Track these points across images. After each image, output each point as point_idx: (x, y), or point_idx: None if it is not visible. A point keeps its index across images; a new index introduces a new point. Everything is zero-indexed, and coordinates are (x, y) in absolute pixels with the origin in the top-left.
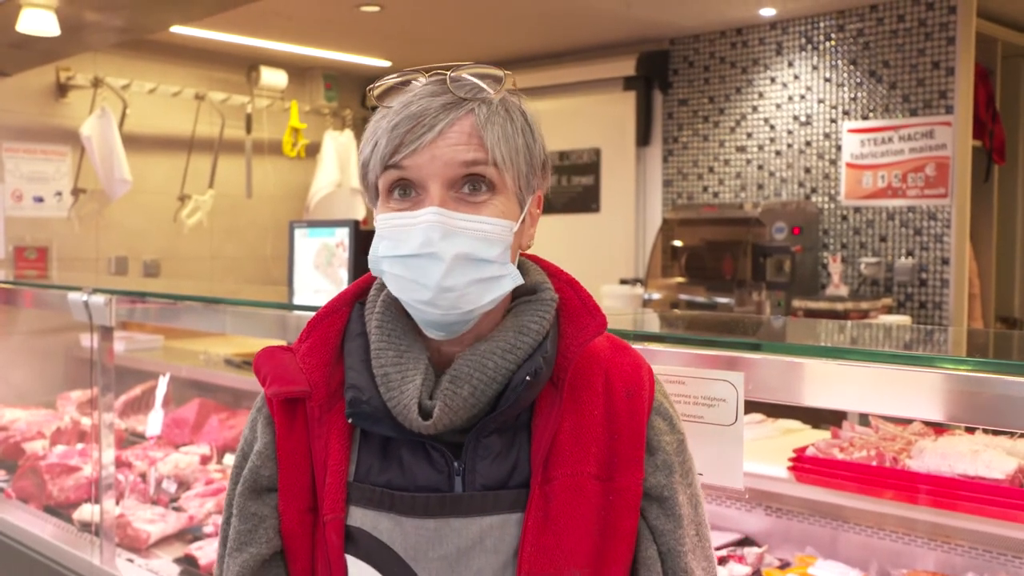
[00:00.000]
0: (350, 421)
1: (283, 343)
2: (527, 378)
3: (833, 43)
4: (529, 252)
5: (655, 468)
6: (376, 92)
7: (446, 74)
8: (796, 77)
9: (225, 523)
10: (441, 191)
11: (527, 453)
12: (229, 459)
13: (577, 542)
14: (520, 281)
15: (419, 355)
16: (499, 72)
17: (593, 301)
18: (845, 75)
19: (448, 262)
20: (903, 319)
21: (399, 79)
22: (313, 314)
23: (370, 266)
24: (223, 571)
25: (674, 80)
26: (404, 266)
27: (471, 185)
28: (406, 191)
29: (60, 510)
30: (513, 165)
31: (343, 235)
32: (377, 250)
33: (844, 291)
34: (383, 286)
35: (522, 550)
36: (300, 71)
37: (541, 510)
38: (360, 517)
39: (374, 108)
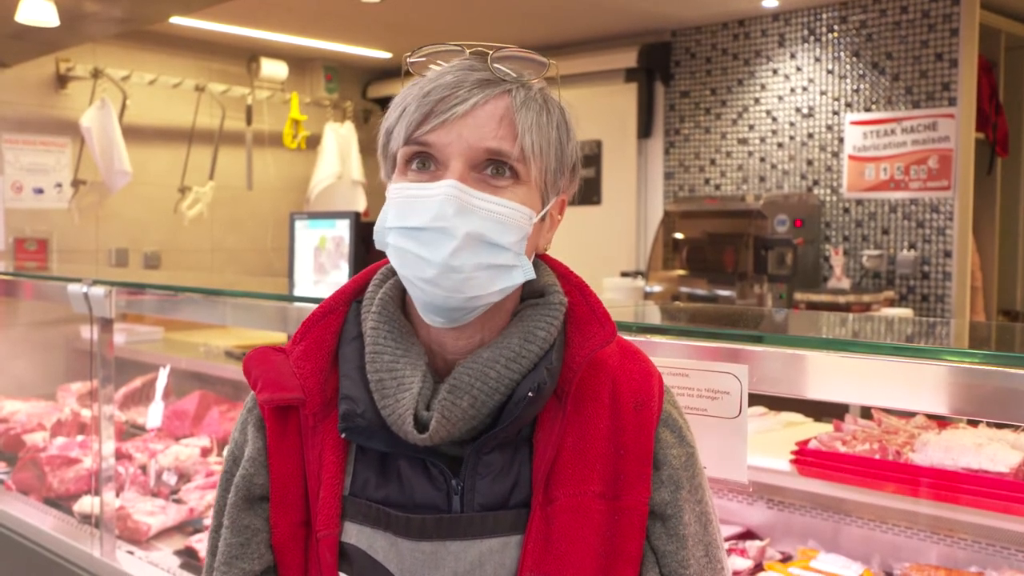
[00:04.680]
0: (343, 436)
1: (284, 335)
2: (529, 394)
3: (836, 35)
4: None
5: (660, 484)
6: (411, 59)
7: (488, 52)
8: (798, 69)
9: (214, 532)
10: (462, 169)
11: (529, 470)
12: None
13: (580, 567)
14: (532, 275)
15: (416, 360)
16: (543, 59)
17: (603, 308)
18: (848, 67)
19: (459, 239)
20: (905, 312)
21: (440, 49)
22: (312, 310)
23: (375, 238)
24: None
25: (676, 72)
26: (411, 239)
27: (494, 168)
28: (425, 163)
29: (60, 502)
30: (542, 156)
31: (344, 227)
32: (385, 219)
33: (846, 284)
34: (381, 282)
35: None
36: (300, 62)
37: (542, 533)
38: (355, 534)
39: (376, 100)
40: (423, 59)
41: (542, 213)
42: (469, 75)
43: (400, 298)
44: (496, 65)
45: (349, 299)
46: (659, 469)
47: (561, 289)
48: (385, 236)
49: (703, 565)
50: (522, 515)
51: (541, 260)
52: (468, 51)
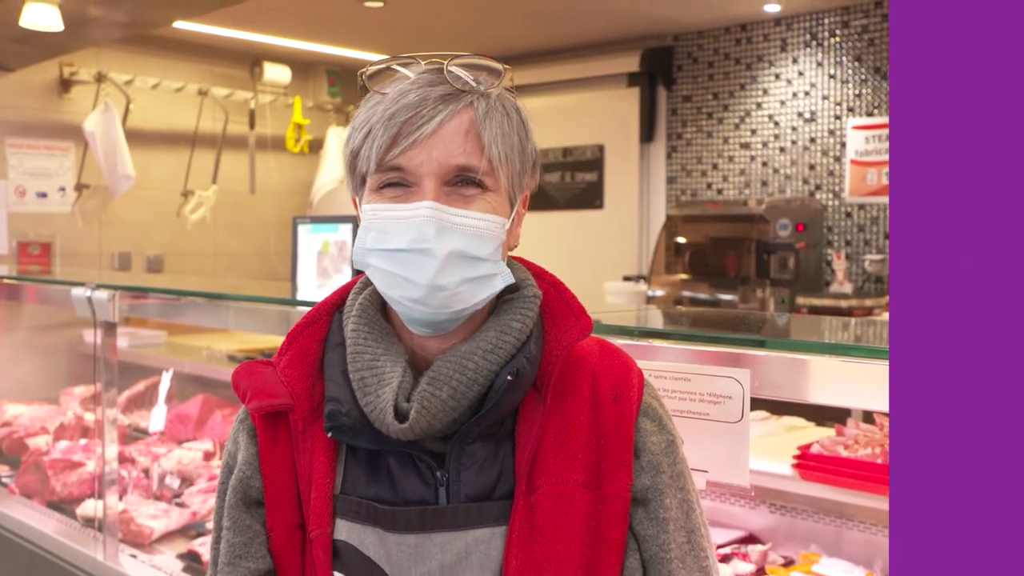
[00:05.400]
0: (329, 435)
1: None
2: (508, 378)
3: (838, 39)
4: (516, 253)
5: (640, 470)
6: (368, 73)
7: (443, 63)
8: (800, 73)
9: (215, 541)
10: (435, 187)
11: (512, 463)
12: None
13: (565, 555)
14: (511, 280)
15: (396, 357)
16: (498, 65)
17: (578, 302)
18: (850, 71)
19: (441, 259)
20: None
21: (393, 63)
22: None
23: (355, 258)
24: None
25: (678, 76)
26: (394, 261)
27: (464, 180)
28: (398, 184)
29: (63, 506)
30: (508, 163)
31: (346, 231)
32: (364, 242)
33: (848, 288)
34: (360, 290)
35: (506, 565)
36: (303, 66)
37: (526, 522)
38: (346, 531)
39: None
40: (381, 68)
41: (512, 216)
42: (431, 91)
43: (380, 302)
44: (453, 72)
45: (332, 310)
46: (639, 456)
47: (534, 283)
48: (366, 257)
49: (685, 551)
50: (507, 507)
51: (513, 260)
52: (424, 62)
